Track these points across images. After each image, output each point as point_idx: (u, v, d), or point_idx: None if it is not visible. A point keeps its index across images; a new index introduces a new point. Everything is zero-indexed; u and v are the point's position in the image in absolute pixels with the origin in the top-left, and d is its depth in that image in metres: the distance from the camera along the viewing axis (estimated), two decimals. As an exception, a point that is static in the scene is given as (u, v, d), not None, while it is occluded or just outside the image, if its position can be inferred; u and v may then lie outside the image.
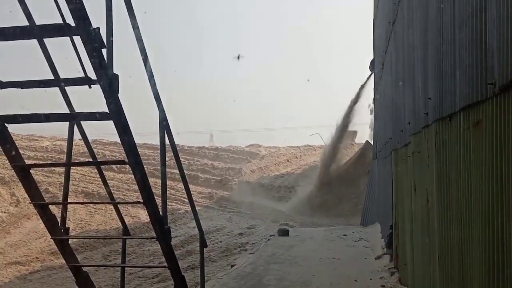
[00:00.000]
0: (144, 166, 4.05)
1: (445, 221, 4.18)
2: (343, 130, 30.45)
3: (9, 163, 4.14)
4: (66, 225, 4.71)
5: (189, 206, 5.40)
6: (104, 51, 3.36)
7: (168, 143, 4.49)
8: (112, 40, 3.40)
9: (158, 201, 4.15)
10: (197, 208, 5.91)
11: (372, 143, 22.56)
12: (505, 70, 2.53)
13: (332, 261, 10.97)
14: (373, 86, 20.06)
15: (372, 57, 20.17)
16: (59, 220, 4.61)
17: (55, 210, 4.69)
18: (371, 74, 22.94)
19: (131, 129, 3.74)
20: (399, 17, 8.38)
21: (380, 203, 14.34)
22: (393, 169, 9.67)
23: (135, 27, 3.90)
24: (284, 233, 15.44)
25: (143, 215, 22.13)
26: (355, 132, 35.69)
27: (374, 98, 19.85)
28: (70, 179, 5.11)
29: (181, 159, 5.14)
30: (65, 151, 4.86)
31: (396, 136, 8.84)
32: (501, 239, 2.67)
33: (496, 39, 2.65)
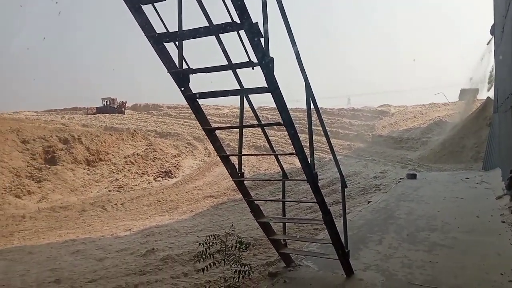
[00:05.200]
0: (296, 125, 4.15)
1: None
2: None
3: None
4: (242, 170, 5.08)
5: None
6: (261, 39, 3.46)
7: (313, 106, 4.51)
8: (267, 31, 3.47)
9: (307, 151, 4.23)
10: (338, 157, 5.86)
11: (492, 99, 19.93)
12: None
13: (456, 200, 10.13)
14: (494, 49, 17.56)
15: (493, 22, 17.51)
16: (237, 166, 4.98)
17: (234, 160, 5.06)
18: (492, 38, 20.02)
19: (284, 97, 3.85)
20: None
21: (501, 150, 12.70)
22: (514, 121, 8.48)
23: (283, 14, 3.84)
24: (412, 176, 14.57)
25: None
26: (477, 90, 31.93)
27: (495, 59, 17.39)
28: (244, 136, 5.45)
29: (324, 119, 5.12)
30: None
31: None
32: None
33: None
